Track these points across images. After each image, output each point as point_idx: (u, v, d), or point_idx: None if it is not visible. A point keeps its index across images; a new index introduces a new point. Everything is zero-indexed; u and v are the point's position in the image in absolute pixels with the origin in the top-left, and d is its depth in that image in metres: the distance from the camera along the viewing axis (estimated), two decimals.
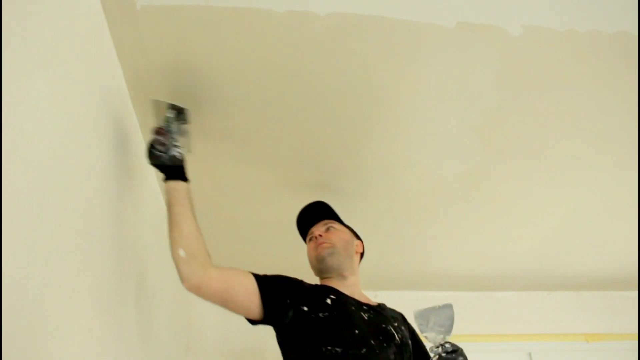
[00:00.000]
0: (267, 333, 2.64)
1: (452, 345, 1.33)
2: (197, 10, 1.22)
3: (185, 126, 1.38)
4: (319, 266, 1.52)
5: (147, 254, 1.70)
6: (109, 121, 1.27)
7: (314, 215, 1.63)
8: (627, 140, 1.70)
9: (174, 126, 1.34)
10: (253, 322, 1.38)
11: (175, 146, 1.31)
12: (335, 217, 1.63)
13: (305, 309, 1.34)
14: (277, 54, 1.34)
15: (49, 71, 0.92)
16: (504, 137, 1.68)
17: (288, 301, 1.35)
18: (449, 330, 1.35)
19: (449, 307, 1.38)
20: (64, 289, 1.00)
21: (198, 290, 1.27)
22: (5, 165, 0.77)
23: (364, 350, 1.28)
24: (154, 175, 1.78)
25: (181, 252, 1.25)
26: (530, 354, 2.73)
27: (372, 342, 1.30)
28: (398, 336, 1.40)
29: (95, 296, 1.18)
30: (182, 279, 1.26)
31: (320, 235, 1.55)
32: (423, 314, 1.38)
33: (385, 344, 1.33)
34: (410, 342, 1.47)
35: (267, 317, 1.34)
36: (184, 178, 1.32)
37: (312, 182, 1.87)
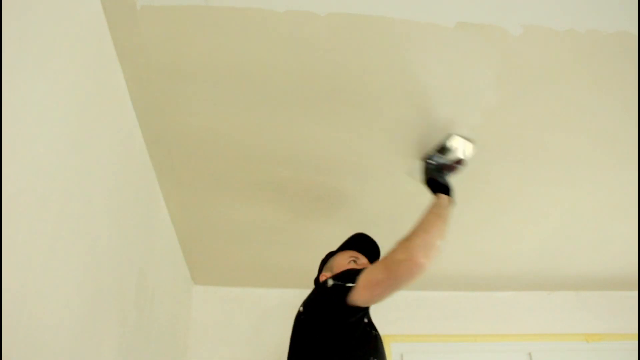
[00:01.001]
0: (269, 332, 2.64)
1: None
2: (197, 10, 1.22)
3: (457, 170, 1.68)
4: None
5: (147, 253, 1.70)
6: (108, 121, 1.27)
7: (370, 249, 1.73)
8: (627, 140, 1.70)
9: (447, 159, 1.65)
10: (344, 304, 1.39)
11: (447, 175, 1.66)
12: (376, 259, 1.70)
13: (366, 320, 1.46)
14: (277, 54, 1.34)
15: (49, 71, 0.92)
16: (504, 137, 1.68)
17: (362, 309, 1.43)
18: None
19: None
20: (64, 289, 1.00)
21: (419, 272, 1.39)
22: (5, 165, 0.77)
23: None
24: (154, 175, 1.78)
25: (439, 243, 1.43)
26: (530, 354, 2.73)
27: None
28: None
29: (96, 296, 1.18)
30: (428, 257, 1.39)
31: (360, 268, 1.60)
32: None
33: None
34: None
35: (361, 309, 1.39)
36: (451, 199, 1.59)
37: (312, 182, 1.88)
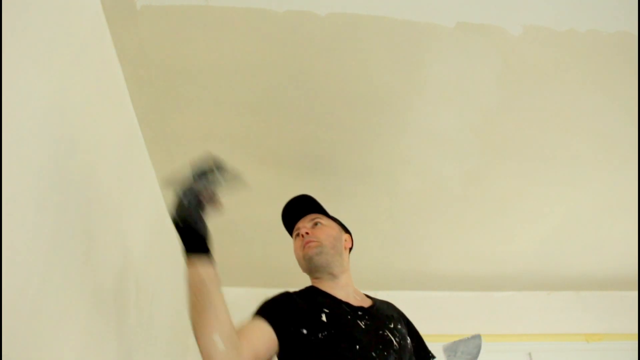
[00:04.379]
0: None
1: None
2: (197, 10, 1.22)
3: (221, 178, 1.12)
4: (308, 266, 1.47)
5: (147, 254, 1.70)
6: (109, 121, 1.27)
7: (299, 210, 1.55)
8: (627, 140, 1.70)
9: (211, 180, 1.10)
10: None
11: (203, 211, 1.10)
12: (322, 211, 1.56)
13: (305, 331, 1.27)
14: (277, 54, 1.34)
15: (49, 71, 0.92)
16: (504, 137, 1.68)
17: (292, 328, 1.28)
18: (475, 357, 1.37)
19: (477, 337, 1.41)
20: (63, 289, 1.00)
21: None
22: (5, 165, 0.77)
23: None
24: (154, 175, 1.78)
25: (217, 338, 1.09)
26: (530, 354, 2.73)
27: (374, 354, 1.27)
28: (396, 340, 1.36)
29: (95, 296, 1.18)
30: None
31: (307, 233, 1.47)
32: (451, 347, 1.40)
33: (385, 352, 1.29)
34: (409, 340, 1.44)
35: (280, 348, 1.26)
36: (209, 252, 1.13)
37: (312, 182, 1.87)
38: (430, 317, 2.71)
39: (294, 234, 1.55)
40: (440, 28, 1.28)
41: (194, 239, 1.09)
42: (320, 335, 1.27)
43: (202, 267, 1.09)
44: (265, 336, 1.25)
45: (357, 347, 1.27)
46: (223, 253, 2.44)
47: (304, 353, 1.26)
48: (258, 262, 2.48)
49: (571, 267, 2.61)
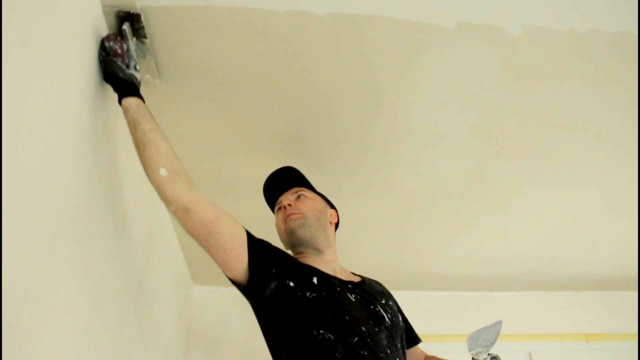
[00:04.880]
0: None
1: (493, 356, 1.34)
2: (197, 10, 1.22)
3: (144, 43, 1.21)
4: (290, 239, 1.38)
5: (147, 253, 1.70)
6: (109, 121, 1.27)
7: (282, 183, 1.48)
8: (627, 140, 1.70)
9: (131, 43, 1.19)
10: (233, 282, 1.25)
11: (135, 68, 1.18)
12: (306, 184, 1.48)
13: (292, 284, 1.20)
14: (277, 54, 1.34)
15: (49, 71, 0.92)
16: (504, 137, 1.68)
17: (273, 270, 1.20)
18: (493, 343, 1.38)
19: (498, 323, 1.41)
20: (64, 289, 1.00)
21: (185, 213, 1.12)
22: (6, 165, 0.77)
23: (356, 339, 1.16)
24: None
25: (163, 172, 1.10)
26: (530, 354, 2.73)
27: (364, 328, 1.19)
28: (388, 316, 1.29)
29: (95, 296, 1.18)
30: (168, 200, 1.11)
31: (289, 205, 1.39)
32: (474, 336, 1.39)
33: (376, 329, 1.22)
34: (400, 318, 1.38)
35: (249, 281, 1.19)
36: (142, 98, 1.17)
37: (312, 181, 1.87)
38: (430, 317, 2.71)
39: (276, 207, 1.48)
40: (440, 28, 1.28)
41: (119, 85, 1.15)
42: (308, 294, 1.20)
43: (131, 107, 1.14)
44: (232, 225, 1.18)
45: (347, 318, 1.19)
46: None
47: (286, 306, 1.19)
48: None
49: (571, 267, 2.61)
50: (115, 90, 1.16)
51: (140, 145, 1.13)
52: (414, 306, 2.77)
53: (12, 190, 0.79)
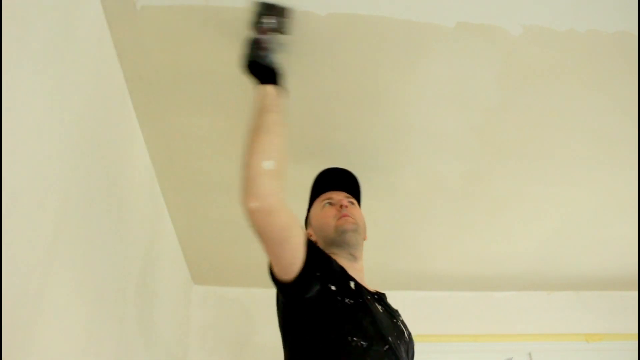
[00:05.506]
0: (268, 332, 2.64)
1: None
2: (197, 10, 1.22)
3: (285, 38, 1.22)
4: (336, 237, 1.37)
5: (147, 253, 1.70)
6: (109, 121, 1.27)
7: (340, 182, 1.49)
8: (627, 140, 1.70)
9: (275, 36, 1.19)
10: (276, 279, 1.18)
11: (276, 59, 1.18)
12: (357, 197, 1.52)
13: (333, 288, 1.19)
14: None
15: (49, 71, 0.92)
16: (504, 137, 1.68)
17: (318, 274, 1.18)
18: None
19: None
20: (64, 289, 1.00)
21: (267, 215, 1.05)
22: (6, 165, 0.77)
23: (386, 347, 1.17)
24: (154, 174, 1.78)
25: (268, 164, 1.03)
26: (530, 354, 2.73)
27: (390, 338, 1.20)
28: (406, 332, 1.33)
29: (95, 296, 1.18)
30: (256, 194, 1.03)
31: (345, 207, 1.40)
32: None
33: (399, 341, 1.24)
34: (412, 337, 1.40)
35: (295, 281, 1.14)
36: (280, 87, 1.17)
37: (312, 181, 1.87)
38: (430, 317, 2.72)
39: (324, 201, 1.47)
40: (440, 28, 1.28)
41: (262, 72, 1.16)
42: (347, 300, 1.20)
43: (269, 93, 1.15)
44: (300, 231, 1.16)
45: (379, 326, 1.20)
46: (223, 253, 2.45)
47: (326, 309, 1.18)
48: (258, 262, 2.48)
49: (571, 267, 2.60)
50: (257, 75, 1.17)
51: (256, 130, 1.09)
52: (414, 306, 2.78)
53: (12, 190, 0.79)
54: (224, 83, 1.43)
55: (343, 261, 1.35)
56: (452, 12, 1.25)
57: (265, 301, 2.72)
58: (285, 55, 1.26)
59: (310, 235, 1.43)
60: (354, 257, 1.39)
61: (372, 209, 2.04)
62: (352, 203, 1.47)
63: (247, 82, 1.43)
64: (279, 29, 1.19)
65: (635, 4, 1.25)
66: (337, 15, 1.24)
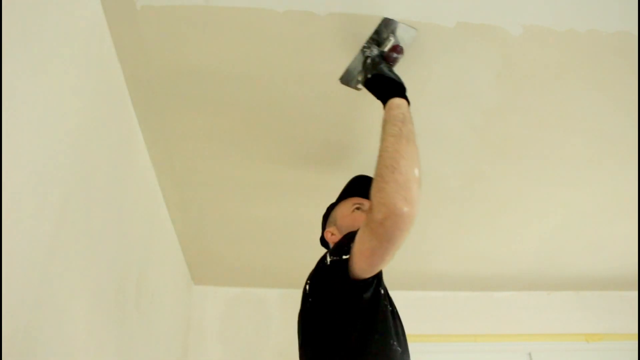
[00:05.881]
0: (268, 333, 2.63)
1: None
2: (197, 10, 1.22)
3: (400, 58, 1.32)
4: None
5: (147, 253, 1.70)
6: (109, 121, 1.27)
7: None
8: (627, 140, 1.70)
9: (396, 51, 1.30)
10: (349, 279, 1.17)
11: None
12: None
13: (382, 291, 1.21)
14: (277, 54, 1.34)
15: (49, 71, 0.92)
16: (504, 137, 1.68)
17: (378, 274, 1.19)
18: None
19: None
20: (64, 289, 1.00)
21: (411, 221, 1.04)
22: (6, 165, 0.77)
23: (406, 355, 1.23)
24: (154, 175, 1.78)
25: (417, 172, 1.07)
26: (530, 354, 2.73)
27: (407, 345, 1.26)
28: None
29: (95, 296, 1.18)
30: (411, 200, 1.04)
31: None
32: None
33: (406, 344, 1.28)
34: None
35: (369, 280, 1.15)
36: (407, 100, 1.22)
37: (312, 182, 1.87)
38: (430, 317, 2.72)
39: (354, 205, 1.47)
40: (440, 28, 1.28)
41: (391, 85, 1.22)
42: (388, 305, 1.24)
43: (403, 105, 1.19)
44: None
45: (400, 332, 1.25)
46: (223, 253, 2.45)
47: (376, 311, 1.18)
48: (258, 262, 2.48)
49: (571, 267, 2.60)
50: (387, 88, 1.23)
51: (406, 138, 1.12)
52: (414, 306, 2.78)
53: (12, 190, 0.79)
54: (224, 83, 1.43)
55: None
56: (452, 12, 1.25)
57: (265, 301, 2.73)
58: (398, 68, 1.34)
59: (333, 234, 1.44)
60: None
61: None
62: None
63: (246, 82, 1.43)
64: (399, 44, 1.29)
65: (635, 4, 1.25)
66: (337, 15, 1.24)
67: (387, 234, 1.06)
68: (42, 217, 0.90)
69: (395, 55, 1.29)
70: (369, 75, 1.26)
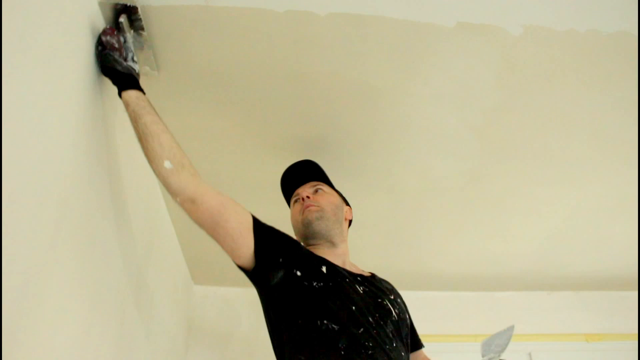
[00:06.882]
0: (268, 333, 2.63)
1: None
2: (197, 10, 1.22)
3: (142, 35, 1.22)
4: (305, 231, 1.38)
5: (147, 253, 1.70)
6: (108, 121, 1.27)
7: (301, 176, 1.48)
8: (627, 140, 1.70)
9: (128, 35, 1.18)
10: (240, 268, 1.24)
11: (133, 60, 1.17)
12: (324, 179, 1.50)
13: (299, 273, 1.20)
14: (277, 53, 1.34)
15: (49, 71, 0.92)
16: (504, 137, 1.68)
17: (281, 260, 1.20)
18: (505, 348, 1.37)
19: (510, 328, 1.40)
20: (64, 288, 1.00)
21: (192, 204, 1.13)
22: (5, 165, 0.77)
23: (362, 330, 1.16)
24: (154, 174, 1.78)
25: (167, 164, 1.10)
26: (530, 354, 2.73)
27: (370, 319, 1.20)
28: (395, 311, 1.30)
29: (95, 296, 1.18)
30: (174, 192, 1.13)
31: (307, 197, 1.40)
32: (488, 342, 1.39)
33: (382, 322, 1.22)
34: (407, 316, 1.38)
35: (255, 268, 1.19)
36: (142, 89, 1.15)
37: None
38: (430, 317, 2.71)
39: (293, 199, 1.48)
40: (440, 28, 1.28)
41: (118, 78, 1.13)
42: (315, 283, 1.21)
43: (131, 99, 1.12)
44: (238, 212, 1.20)
45: (353, 308, 1.20)
46: (223, 253, 2.44)
47: (292, 295, 1.19)
48: None
49: (571, 267, 2.61)
50: (115, 83, 1.14)
51: (142, 139, 1.11)
52: (414, 306, 2.77)
53: (12, 190, 0.79)
54: (224, 83, 1.43)
55: (322, 250, 1.37)
56: (452, 12, 1.25)
57: None
58: (146, 49, 1.26)
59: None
60: (332, 244, 1.39)
61: (372, 209, 2.04)
62: (318, 190, 1.45)
63: (246, 82, 1.43)
64: (130, 34, 1.20)
65: (635, 4, 1.25)
66: (337, 15, 1.25)
67: (196, 223, 1.17)
68: (42, 217, 0.90)
69: (107, 38, 1.12)
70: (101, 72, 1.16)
